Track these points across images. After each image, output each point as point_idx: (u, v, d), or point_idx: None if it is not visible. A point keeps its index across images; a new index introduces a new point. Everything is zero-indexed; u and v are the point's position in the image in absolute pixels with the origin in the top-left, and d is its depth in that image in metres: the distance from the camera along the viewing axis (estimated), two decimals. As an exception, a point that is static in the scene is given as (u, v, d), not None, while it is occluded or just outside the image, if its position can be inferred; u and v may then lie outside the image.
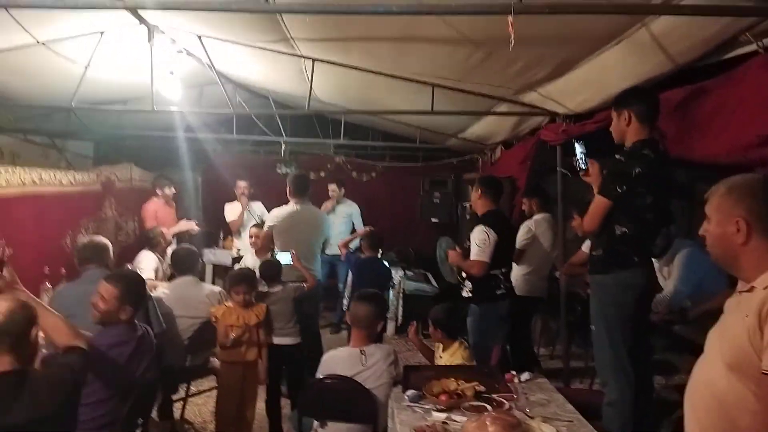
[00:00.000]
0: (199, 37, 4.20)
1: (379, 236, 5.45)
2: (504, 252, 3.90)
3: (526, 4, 2.04)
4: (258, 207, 6.65)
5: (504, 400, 2.67)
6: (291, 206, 4.78)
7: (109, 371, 2.51)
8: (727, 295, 2.89)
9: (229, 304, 3.81)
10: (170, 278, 4.77)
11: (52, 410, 1.98)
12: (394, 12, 2.20)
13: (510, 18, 2.03)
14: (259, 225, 5.21)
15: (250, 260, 4.95)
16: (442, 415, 2.53)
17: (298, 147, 7.98)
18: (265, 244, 4.85)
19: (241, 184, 6.49)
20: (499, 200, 4.04)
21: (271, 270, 4.19)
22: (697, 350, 1.76)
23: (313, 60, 4.24)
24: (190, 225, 6.25)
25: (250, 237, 5.08)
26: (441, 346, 3.51)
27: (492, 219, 3.89)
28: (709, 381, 1.60)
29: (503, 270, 3.94)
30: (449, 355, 3.42)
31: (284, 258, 4.41)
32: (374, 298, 3.28)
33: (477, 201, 4.04)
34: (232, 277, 3.87)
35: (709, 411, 1.58)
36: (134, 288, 2.79)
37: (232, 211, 6.57)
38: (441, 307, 3.59)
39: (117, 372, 2.55)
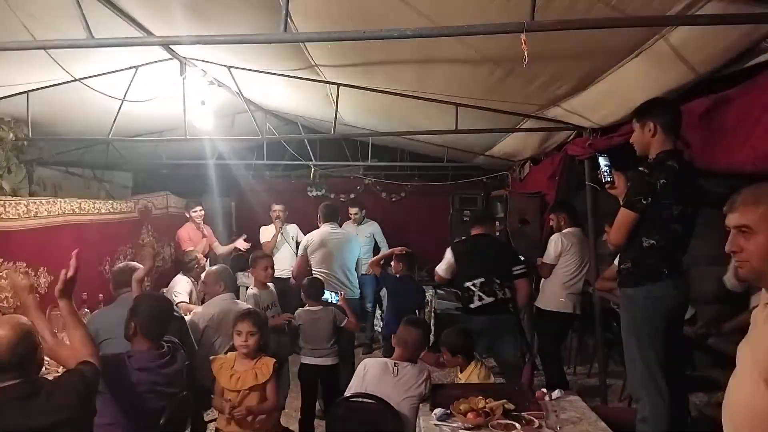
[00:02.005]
0: (229, 69, 4.35)
1: (414, 256, 5.48)
2: (472, 265, 4.48)
3: (538, 21, 2.06)
4: (293, 229, 6.80)
5: (534, 418, 2.64)
6: (324, 228, 5.20)
7: (140, 390, 2.61)
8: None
9: (231, 354, 3.26)
10: (203, 301, 4.87)
11: (68, 414, 2.08)
12: (409, 36, 2.24)
13: (523, 36, 2.05)
14: (268, 255, 4.95)
15: (254, 290, 4.48)
16: (470, 434, 2.53)
17: (328, 170, 8.11)
18: (302, 269, 5.09)
19: (276, 207, 6.66)
20: (484, 224, 4.74)
21: (314, 288, 4.27)
22: (733, 364, 1.70)
23: (338, 85, 4.33)
24: (243, 244, 6.54)
25: (264, 269, 4.49)
26: (458, 368, 3.55)
27: (462, 241, 4.89)
28: (746, 397, 1.54)
29: (476, 282, 4.33)
30: (466, 377, 3.45)
31: (333, 297, 4.49)
32: (423, 324, 3.53)
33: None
34: (236, 315, 3.35)
35: (752, 428, 1.52)
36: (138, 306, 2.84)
37: (266, 234, 6.72)
38: (450, 331, 3.62)
39: (148, 388, 2.64)
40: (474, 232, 4.70)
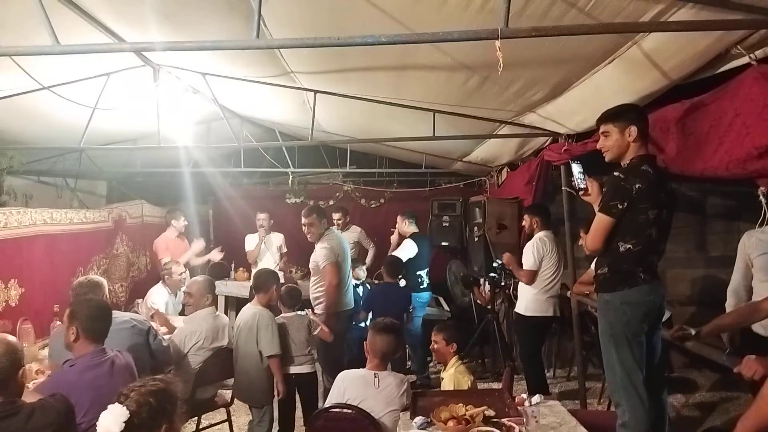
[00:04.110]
0: (203, 75, 4.29)
1: (399, 263, 5.52)
2: (421, 259, 6.00)
3: (513, 28, 2.06)
4: (278, 238, 6.75)
5: (514, 425, 2.63)
6: (340, 233, 5.17)
7: (89, 394, 2.54)
8: (744, 312, 2.83)
9: None
10: (182, 312, 4.80)
11: None
12: (384, 42, 2.23)
13: (497, 43, 2.05)
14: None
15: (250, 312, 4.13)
16: (451, 442, 2.51)
17: (307, 177, 8.07)
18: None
19: (260, 216, 6.62)
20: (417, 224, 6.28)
21: (291, 298, 4.26)
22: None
23: (315, 92, 4.30)
24: (201, 245, 6.41)
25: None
26: (443, 364, 3.53)
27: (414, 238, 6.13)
28: None
29: (424, 271, 6.01)
30: (449, 372, 3.43)
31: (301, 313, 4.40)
32: (393, 329, 3.30)
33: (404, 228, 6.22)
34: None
35: None
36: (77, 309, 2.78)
37: (250, 242, 6.65)
38: (447, 322, 3.61)
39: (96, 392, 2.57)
40: (413, 231, 6.16)
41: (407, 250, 5.90)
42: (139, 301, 5.00)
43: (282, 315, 4.19)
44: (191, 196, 7.24)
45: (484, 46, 2.21)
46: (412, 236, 6.07)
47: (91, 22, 3.06)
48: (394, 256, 5.78)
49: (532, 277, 4.74)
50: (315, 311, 4.72)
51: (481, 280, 6.21)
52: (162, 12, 3.05)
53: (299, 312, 4.24)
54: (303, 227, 4.89)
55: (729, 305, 3.40)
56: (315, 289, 4.88)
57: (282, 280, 5.95)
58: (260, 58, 3.67)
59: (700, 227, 5.91)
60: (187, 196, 7.19)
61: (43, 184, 6.12)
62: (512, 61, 2.85)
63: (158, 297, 4.95)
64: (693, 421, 4.66)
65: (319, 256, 4.79)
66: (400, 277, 5.41)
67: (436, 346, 3.51)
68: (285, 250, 6.83)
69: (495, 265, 5.47)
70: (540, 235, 4.79)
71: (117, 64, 3.96)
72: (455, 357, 3.46)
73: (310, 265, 4.97)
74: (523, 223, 5.06)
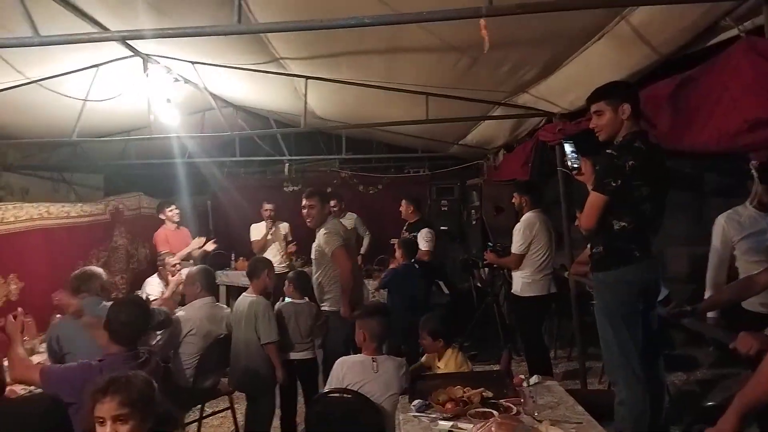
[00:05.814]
0: (193, 64, 4.26)
1: (414, 243, 5.58)
2: None
3: (497, 6, 2.03)
4: (284, 227, 6.74)
5: (512, 405, 2.64)
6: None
7: None
8: (739, 287, 2.82)
9: None
10: (181, 303, 4.80)
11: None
12: (367, 23, 2.21)
13: (482, 21, 2.02)
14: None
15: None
16: (448, 424, 2.51)
17: (304, 165, 8.05)
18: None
19: (267, 206, 6.62)
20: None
21: (302, 282, 4.26)
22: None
23: (306, 78, 4.27)
24: (200, 242, 6.31)
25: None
26: (436, 355, 3.41)
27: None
28: None
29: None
30: (444, 363, 3.37)
31: None
32: (384, 310, 3.32)
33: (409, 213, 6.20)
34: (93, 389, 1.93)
35: None
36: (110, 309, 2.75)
37: (256, 232, 6.65)
38: (431, 315, 3.53)
39: None
40: (417, 218, 6.18)
41: (433, 241, 5.87)
42: (137, 292, 5.02)
43: (291, 301, 4.18)
44: (189, 187, 7.24)
45: (471, 25, 2.17)
46: (417, 222, 6.09)
47: (74, 12, 3.01)
48: (409, 237, 5.81)
49: (518, 262, 4.75)
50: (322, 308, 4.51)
51: (480, 263, 6.22)
52: (147, 1, 3.01)
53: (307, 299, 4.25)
54: (303, 210, 4.55)
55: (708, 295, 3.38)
56: (318, 284, 4.42)
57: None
58: (247, 45, 3.63)
59: (699, 204, 5.89)
60: (184, 187, 7.19)
61: (39, 179, 6.11)
62: (501, 41, 2.82)
63: (152, 288, 4.97)
64: (693, 397, 4.68)
65: (322, 243, 4.34)
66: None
67: (424, 342, 3.41)
68: (291, 238, 6.83)
69: (489, 245, 5.47)
70: (528, 216, 4.78)
71: (106, 56, 3.93)
72: (450, 348, 3.37)
73: (312, 255, 4.61)
74: (513, 200, 5.06)
